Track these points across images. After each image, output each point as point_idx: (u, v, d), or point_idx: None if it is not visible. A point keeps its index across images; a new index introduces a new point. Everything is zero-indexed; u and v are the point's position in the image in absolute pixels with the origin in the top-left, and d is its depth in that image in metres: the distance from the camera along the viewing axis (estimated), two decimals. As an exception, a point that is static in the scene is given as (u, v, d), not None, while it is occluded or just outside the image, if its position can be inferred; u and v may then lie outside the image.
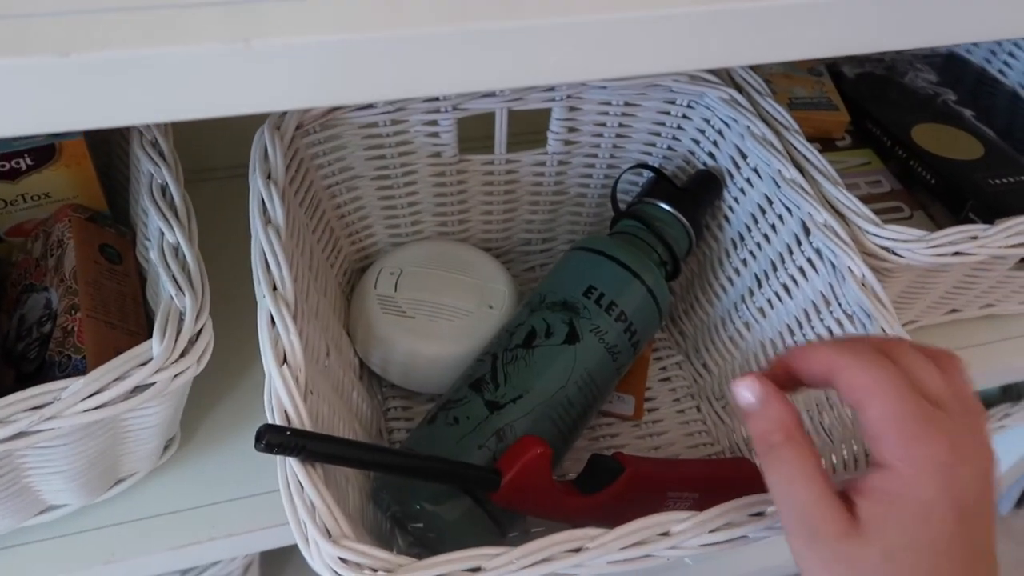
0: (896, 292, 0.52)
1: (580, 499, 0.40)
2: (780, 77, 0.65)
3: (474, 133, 0.54)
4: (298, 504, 0.33)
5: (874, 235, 0.46)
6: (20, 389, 0.43)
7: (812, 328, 0.47)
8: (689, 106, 0.55)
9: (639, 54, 0.28)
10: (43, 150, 0.46)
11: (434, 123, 0.52)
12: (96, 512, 0.46)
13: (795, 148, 0.51)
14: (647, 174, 0.57)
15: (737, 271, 0.53)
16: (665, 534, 0.34)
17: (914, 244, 0.46)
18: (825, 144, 0.63)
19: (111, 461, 0.43)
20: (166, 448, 0.48)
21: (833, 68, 0.69)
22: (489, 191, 0.57)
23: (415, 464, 0.39)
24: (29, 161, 0.47)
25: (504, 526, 0.44)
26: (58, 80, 0.21)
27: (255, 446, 0.33)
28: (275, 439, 0.32)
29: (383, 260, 0.54)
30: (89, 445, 0.39)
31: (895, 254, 0.46)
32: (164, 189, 0.43)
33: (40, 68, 0.21)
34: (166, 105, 0.23)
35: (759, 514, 0.35)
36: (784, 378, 0.34)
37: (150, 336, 0.46)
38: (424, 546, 0.46)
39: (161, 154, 0.44)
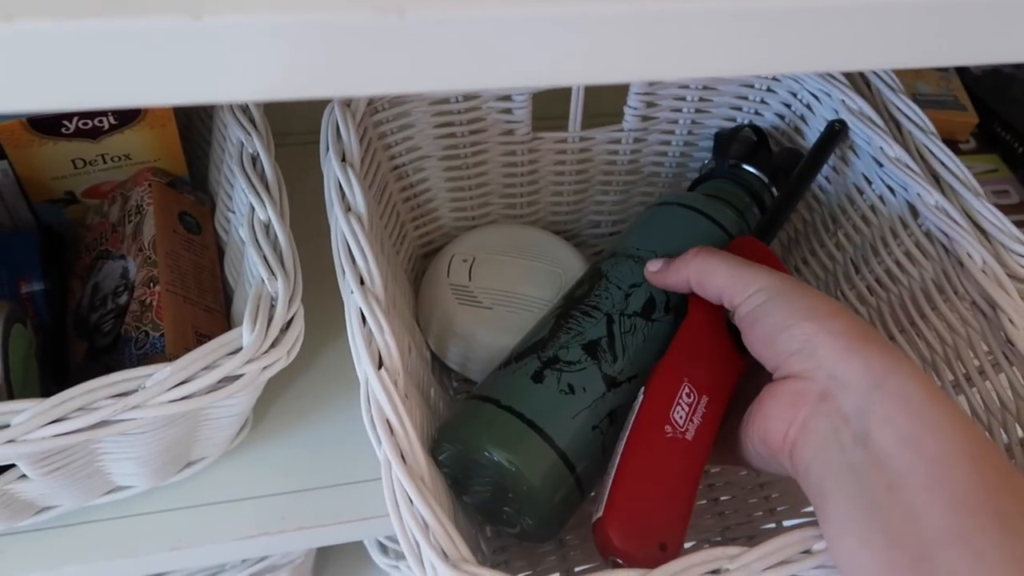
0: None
1: None
2: (904, 71, 0.61)
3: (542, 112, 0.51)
4: (408, 521, 0.30)
5: (1021, 256, 0.42)
6: (93, 363, 0.40)
7: (924, 318, 0.44)
8: (774, 78, 0.51)
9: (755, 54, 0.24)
10: (128, 109, 0.43)
11: (508, 98, 0.48)
12: (164, 495, 0.44)
13: (931, 152, 0.45)
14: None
15: (831, 255, 0.50)
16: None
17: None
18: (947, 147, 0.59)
19: (185, 447, 0.40)
20: (238, 432, 0.45)
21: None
22: (560, 171, 0.53)
23: None
24: (112, 120, 0.43)
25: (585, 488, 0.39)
26: (192, 45, 0.18)
27: None
28: None
29: (453, 246, 0.51)
30: (168, 433, 0.36)
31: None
32: (255, 160, 0.39)
33: (171, 31, 0.18)
34: (303, 79, 0.20)
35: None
36: None
37: (226, 313, 0.44)
38: (482, 513, 0.41)
39: (252, 121, 0.40)
